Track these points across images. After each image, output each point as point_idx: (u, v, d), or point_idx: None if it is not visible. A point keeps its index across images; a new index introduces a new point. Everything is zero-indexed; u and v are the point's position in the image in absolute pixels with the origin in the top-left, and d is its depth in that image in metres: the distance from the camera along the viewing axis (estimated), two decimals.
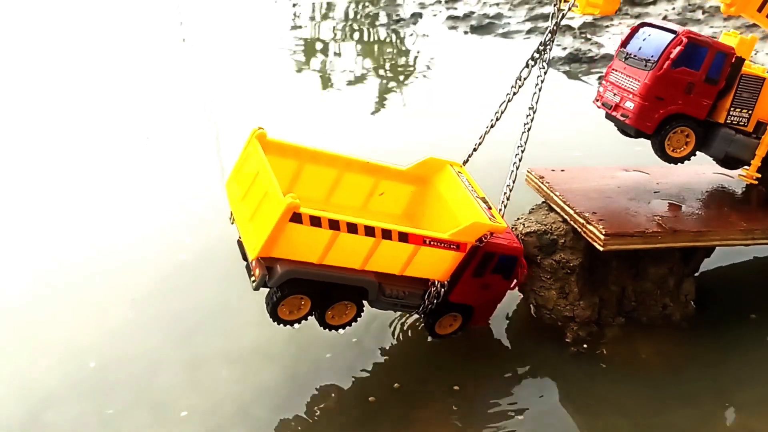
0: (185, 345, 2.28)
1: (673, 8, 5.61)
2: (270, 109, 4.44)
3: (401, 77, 5.27)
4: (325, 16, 7.22)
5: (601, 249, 2.06)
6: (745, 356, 2.19)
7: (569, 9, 2.16)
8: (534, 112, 2.17)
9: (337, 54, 6.01)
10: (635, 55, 2.18)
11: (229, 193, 2.03)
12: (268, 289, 1.90)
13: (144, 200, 3.24)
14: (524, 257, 2.11)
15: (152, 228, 2.99)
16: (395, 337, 2.30)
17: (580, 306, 2.21)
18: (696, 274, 2.41)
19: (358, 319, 2.03)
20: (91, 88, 4.92)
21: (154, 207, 3.17)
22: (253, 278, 1.86)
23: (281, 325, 1.94)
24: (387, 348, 2.26)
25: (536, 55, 2.22)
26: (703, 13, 5.31)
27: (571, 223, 2.20)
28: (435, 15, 6.64)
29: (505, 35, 5.82)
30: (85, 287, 2.58)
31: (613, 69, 2.27)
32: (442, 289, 2.01)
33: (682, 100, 2.11)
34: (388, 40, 6.22)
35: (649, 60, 2.11)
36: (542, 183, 2.39)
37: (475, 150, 2.29)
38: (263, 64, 5.59)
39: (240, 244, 2.02)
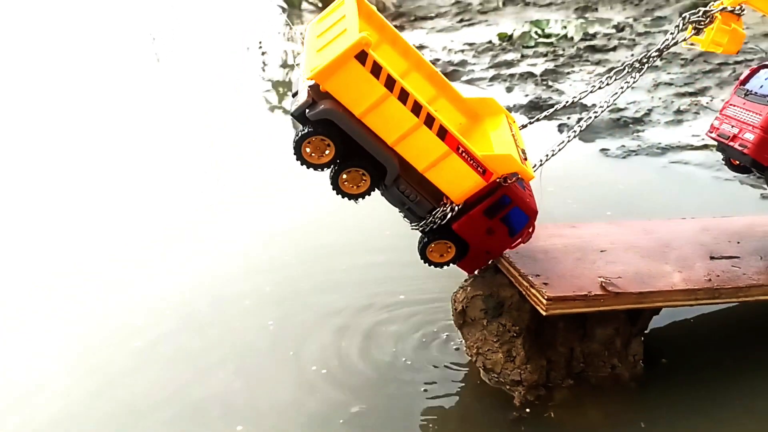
0: None
1: (632, 54, 5.73)
2: (241, 146, 4.58)
3: None
4: (296, 65, 7.29)
5: (544, 314, 2.05)
6: (694, 414, 2.17)
7: (684, 40, 2.26)
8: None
9: None
10: (756, 92, 2.30)
11: (309, 34, 2.04)
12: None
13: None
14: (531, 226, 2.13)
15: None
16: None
17: (528, 369, 2.19)
18: (645, 332, 2.41)
19: (366, 197, 2.02)
20: (62, 113, 5.03)
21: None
22: (296, 102, 1.89)
23: (302, 163, 1.95)
24: None
25: (637, 65, 2.31)
26: (661, 60, 5.42)
27: (517, 285, 2.20)
28: None
29: (469, 82, 5.89)
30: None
31: (731, 104, 2.39)
32: (451, 213, 2.01)
33: None
34: None
35: None
36: None
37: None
38: (235, 103, 5.68)
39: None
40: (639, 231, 2.54)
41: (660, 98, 4.76)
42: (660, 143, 4.16)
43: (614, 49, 6.00)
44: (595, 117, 2.34)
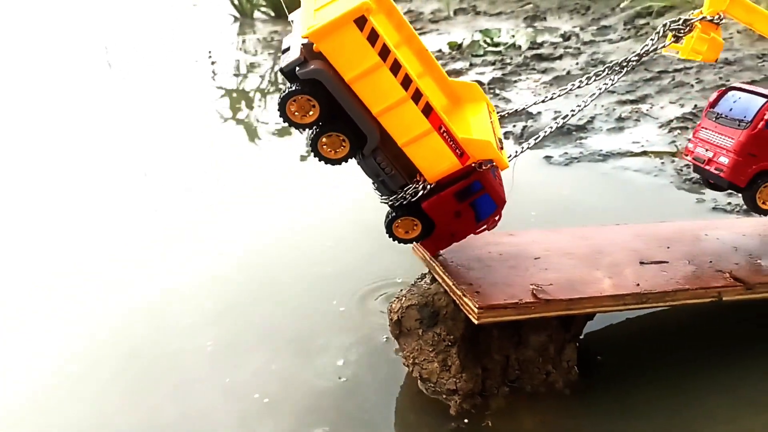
0: None
1: (577, 63, 5.84)
2: (196, 158, 4.54)
3: None
4: (246, 74, 7.23)
5: (476, 322, 2.06)
6: (629, 418, 2.20)
7: (664, 47, 2.31)
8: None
9: (262, 107, 6.03)
10: (726, 116, 2.37)
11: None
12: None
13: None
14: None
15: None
16: None
17: (463, 378, 2.20)
18: (581, 338, 2.44)
19: (343, 163, 2.04)
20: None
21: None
22: (287, 58, 1.89)
23: (284, 121, 1.94)
24: None
25: (617, 68, 2.34)
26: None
27: (451, 294, 2.20)
28: None
29: None
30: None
31: (703, 127, 2.47)
32: (422, 191, 2.05)
33: None
34: None
35: (743, 120, 2.30)
36: (425, 252, 2.39)
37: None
38: (187, 114, 5.63)
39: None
40: (575, 237, 2.57)
41: (603, 106, 4.85)
42: (602, 150, 4.23)
43: (560, 57, 6.10)
44: (572, 115, 2.42)
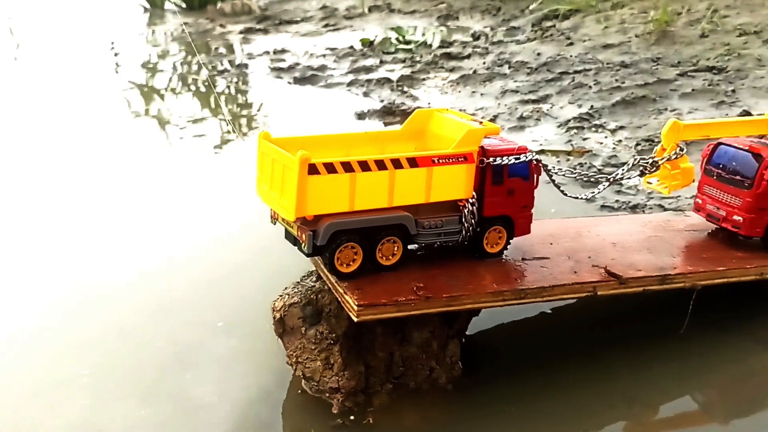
0: None
1: (484, 62, 5.93)
2: (111, 158, 4.36)
3: (241, 126, 5.16)
4: (154, 68, 6.99)
5: (355, 320, 2.05)
6: (512, 411, 2.24)
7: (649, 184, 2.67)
8: None
9: (172, 102, 5.85)
10: (723, 175, 2.61)
11: (261, 195, 2.22)
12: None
13: None
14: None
15: None
16: None
17: (345, 376, 2.18)
18: (467, 334, 2.47)
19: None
20: None
21: None
22: (303, 244, 2.08)
23: (342, 279, 2.11)
24: None
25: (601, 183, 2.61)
26: (510, 68, 5.65)
27: (333, 292, 2.18)
28: (260, 66, 6.62)
29: (327, 86, 5.89)
30: None
31: (706, 184, 2.69)
32: (474, 207, 2.22)
33: None
34: (226, 91, 6.10)
35: (745, 180, 2.54)
36: None
37: None
38: (98, 112, 5.38)
39: (287, 233, 2.21)
40: None
41: (506, 105, 4.95)
42: None
43: (468, 57, 6.19)
44: None
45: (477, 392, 2.30)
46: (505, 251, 2.38)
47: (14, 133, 4.90)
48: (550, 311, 2.71)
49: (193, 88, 6.23)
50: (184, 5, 9.48)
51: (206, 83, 6.15)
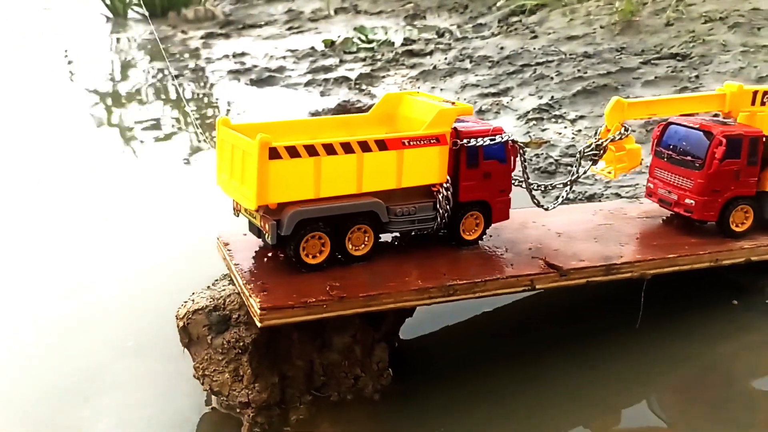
0: None
1: (446, 58, 5.75)
2: (75, 164, 4.14)
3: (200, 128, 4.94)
4: (112, 75, 6.77)
5: (259, 325, 1.83)
6: (447, 428, 2.02)
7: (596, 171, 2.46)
8: None
9: (126, 108, 5.63)
10: (677, 156, 2.43)
11: (222, 185, 2.07)
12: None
13: None
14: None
15: None
16: None
17: (256, 389, 1.96)
18: (401, 337, 2.26)
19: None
20: None
21: None
22: (266, 235, 1.93)
23: (310, 270, 1.98)
24: None
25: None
26: (471, 62, 5.47)
27: (241, 295, 1.97)
28: (218, 70, 6.41)
29: (285, 87, 5.69)
30: None
31: (657, 167, 2.52)
32: (448, 192, 2.09)
33: (734, 186, 2.37)
34: (183, 95, 5.89)
35: (696, 160, 2.36)
36: (225, 250, 2.15)
37: None
38: (52, 120, 5.15)
39: (251, 225, 2.07)
40: None
41: (465, 99, 4.76)
42: None
43: (431, 53, 6.01)
44: None
45: (409, 402, 2.09)
46: (482, 238, 2.25)
47: None
48: (495, 309, 2.50)
49: (148, 93, 6.01)
50: (147, 13, 9.28)
51: (161, 88, 5.94)
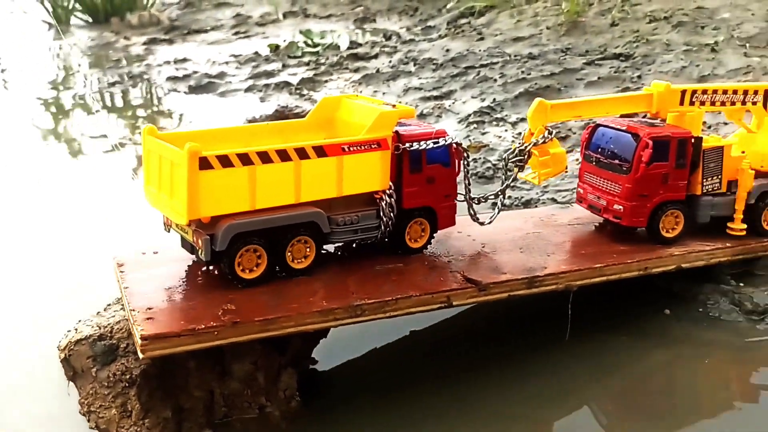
0: None
1: (390, 61, 5.62)
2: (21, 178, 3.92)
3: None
4: (43, 83, 6.49)
5: (141, 355, 1.66)
6: None
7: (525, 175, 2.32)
8: None
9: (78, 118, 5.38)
10: (604, 159, 2.31)
11: (150, 198, 1.94)
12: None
13: None
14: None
15: None
16: None
17: (146, 425, 1.78)
18: (314, 359, 2.11)
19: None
20: None
21: None
22: (200, 251, 1.81)
23: (247, 286, 1.86)
24: None
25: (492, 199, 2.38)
26: (415, 65, 5.34)
27: (129, 322, 1.79)
28: (157, 76, 6.19)
29: (223, 94, 5.50)
30: None
31: (586, 171, 2.40)
32: (392, 199, 2.00)
33: (663, 190, 2.26)
34: (119, 103, 5.65)
35: (623, 164, 2.24)
36: (118, 271, 1.98)
37: None
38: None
39: (183, 240, 1.95)
40: None
41: (407, 102, 4.63)
42: None
43: (376, 56, 5.87)
44: None
45: (314, 426, 1.93)
46: (428, 246, 2.16)
47: None
48: (420, 327, 2.35)
49: (83, 101, 5.76)
50: (90, 20, 9.00)
51: (94, 96, 5.70)
